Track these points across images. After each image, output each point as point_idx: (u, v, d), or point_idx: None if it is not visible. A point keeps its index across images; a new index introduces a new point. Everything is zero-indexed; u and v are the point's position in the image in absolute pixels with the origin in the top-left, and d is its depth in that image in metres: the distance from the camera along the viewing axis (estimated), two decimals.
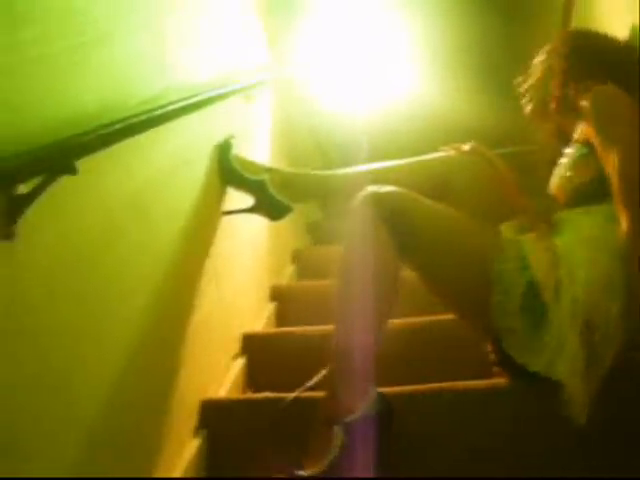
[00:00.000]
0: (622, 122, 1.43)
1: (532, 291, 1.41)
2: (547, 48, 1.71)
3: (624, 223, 1.36)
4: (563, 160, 1.58)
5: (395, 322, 1.67)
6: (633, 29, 1.63)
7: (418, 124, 3.89)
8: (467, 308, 1.55)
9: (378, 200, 1.47)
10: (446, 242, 1.49)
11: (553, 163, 1.66)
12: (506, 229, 1.56)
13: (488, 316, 1.43)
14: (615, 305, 1.35)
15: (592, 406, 1.31)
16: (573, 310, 1.36)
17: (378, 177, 1.80)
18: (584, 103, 1.49)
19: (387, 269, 1.45)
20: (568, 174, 1.54)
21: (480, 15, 4.10)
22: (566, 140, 1.65)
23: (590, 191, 1.49)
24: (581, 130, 1.54)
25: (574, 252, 1.42)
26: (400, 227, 1.45)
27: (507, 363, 1.45)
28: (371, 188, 1.49)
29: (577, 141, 1.55)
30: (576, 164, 1.53)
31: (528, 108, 1.71)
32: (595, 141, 1.46)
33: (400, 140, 3.56)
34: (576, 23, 2.46)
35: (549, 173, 1.64)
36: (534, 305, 1.40)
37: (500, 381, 1.51)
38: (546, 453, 1.44)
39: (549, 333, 1.38)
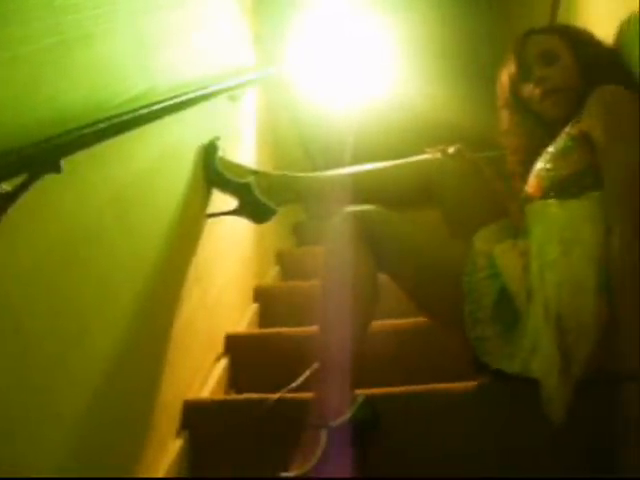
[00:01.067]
0: (629, 123, 1.43)
1: (504, 298, 1.42)
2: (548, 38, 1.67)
3: (618, 221, 1.35)
4: (547, 150, 1.58)
5: (381, 324, 1.68)
6: (628, 23, 1.62)
7: (404, 125, 3.91)
8: (443, 319, 1.58)
9: (357, 219, 1.54)
10: (420, 258, 1.54)
11: (528, 163, 1.68)
12: (485, 234, 1.56)
13: (462, 325, 1.45)
14: (588, 306, 1.34)
15: (570, 405, 1.32)
16: (545, 312, 1.36)
17: (364, 179, 1.81)
18: (591, 100, 1.48)
19: (366, 280, 1.51)
20: (548, 166, 1.53)
21: (466, 14, 4.13)
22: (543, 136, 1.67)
23: (567, 186, 1.48)
24: (578, 123, 1.53)
25: (546, 254, 1.41)
26: (377, 245, 1.52)
27: (484, 370, 1.46)
28: (351, 208, 1.57)
29: (567, 133, 1.54)
30: (558, 156, 1.52)
31: (554, 112, 1.65)
32: (599, 137, 1.45)
33: (386, 142, 3.58)
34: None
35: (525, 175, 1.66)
36: (506, 312, 1.41)
37: (482, 382, 1.52)
38: (527, 453, 1.45)
39: (524, 337, 1.38)
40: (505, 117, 1.77)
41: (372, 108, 3.85)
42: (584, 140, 1.48)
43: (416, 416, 1.54)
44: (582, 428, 1.34)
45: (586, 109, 1.50)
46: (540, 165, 1.56)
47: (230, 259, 2.21)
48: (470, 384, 1.55)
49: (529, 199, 1.57)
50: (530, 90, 1.65)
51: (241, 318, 2.25)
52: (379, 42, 3.84)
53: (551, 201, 1.49)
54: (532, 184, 1.57)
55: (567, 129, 1.55)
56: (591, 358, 1.33)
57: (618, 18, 1.68)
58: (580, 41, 1.65)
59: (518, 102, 1.72)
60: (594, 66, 1.59)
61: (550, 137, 1.63)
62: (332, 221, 1.57)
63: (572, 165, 1.48)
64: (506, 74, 1.73)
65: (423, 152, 1.82)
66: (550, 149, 1.56)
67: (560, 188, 1.49)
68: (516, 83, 1.70)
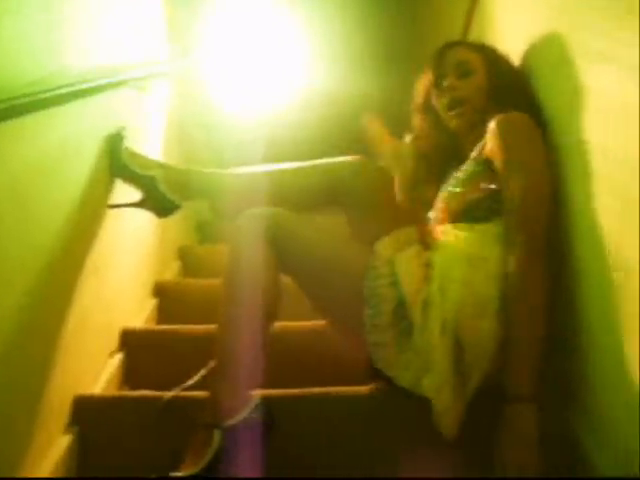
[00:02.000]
0: (528, 150, 1.47)
1: (401, 307, 1.44)
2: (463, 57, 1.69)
3: (516, 247, 1.39)
4: (455, 175, 1.62)
5: (282, 325, 1.68)
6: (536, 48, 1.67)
7: (317, 124, 3.93)
8: (343, 322, 1.59)
9: (263, 220, 1.54)
10: (323, 263, 1.54)
11: (433, 170, 1.74)
12: (389, 241, 1.58)
13: (361, 330, 1.46)
14: (486, 326, 1.37)
15: (463, 421, 1.36)
16: (442, 327, 1.38)
17: (273, 179, 1.80)
18: (494, 124, 1.51)
19: (269, 281, 1.50)
20: (458, 190, 1.56)
21: (376, 16, 4.20)
22: (454, 156, 1.72)
23: (476, 210, 1.51)
24: (482, 149, 1.56)
25: (451, 269, 1.44)
26: (281, 247, 1.52)
27: (379, 376, 1.48)
28: (258, 209, 1.57)
29: (474, 158, 1.58)
30: (468, 181, 1.55)
31: (454, 123, 1.67)
32: (500, 164, 1.49)
33: (299, 140, 3.59)
34: (479, 18, 2.51)
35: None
36: (403, 321, 1.43)
37: (377, 388, 1.55)
38: (418, 461, 1.48)
39: (414, 349, 1.41)
40: (416, 122, 1.81)
41: (286, 106, 3.86)
42: (489, 165, 1.52)
43: (311, 418, 1.55)
44: (474, 442, 1.37)
45: (488, 135, 1.54)
46: (449, 188, 1.60)
47: (130, 252, 2.16)
48: (365, 389, 1.57)
49: (438, 222, 1.60)
50: (439, 97, 1.69)
51: (139, 313, 2.21)
52: (292, 40, 3.86)
53: (460, 225, 1.53)
54: (441, 207, 1.60)
55: (474, 153, 1.59)
56: (486, 376, 1.37)
57: (525, 36, 1.75)
58: (497, 64, 1.68)
59: (429, 109, 1.75)
60: (504, 91, 1.63)
61: (457, 150, 1.68)
62: (238, 221, 1.56)
63: (481, 190, 1.52)
64: (422, 80, 1.76)
65: (337, 152, 1.83)
66: (459, 173, 1.59)
67: (469, 212, 1.53)
68: (430, 89, 1.73)
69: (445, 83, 1.66)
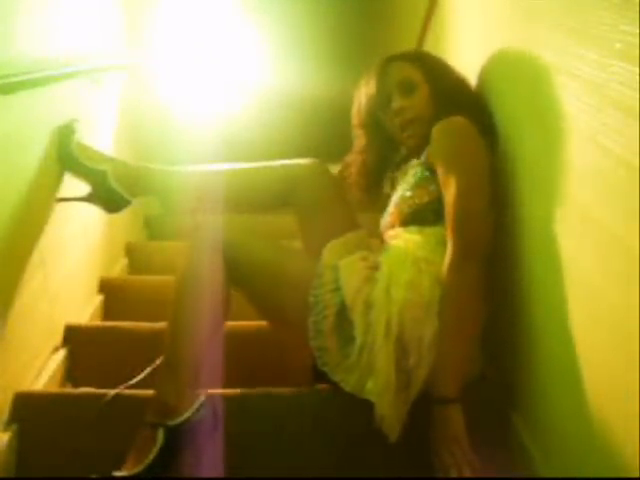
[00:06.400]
0: (467, 153, 1.50)
1: (344, 311, 1.45)
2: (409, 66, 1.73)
3: (449, 250, 1.42)
4: (406, 179, 1.65)
5: (229, 325, 1.67)
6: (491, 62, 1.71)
7: (273, 122, 3.93)
8: (288, 327, 1.60)
9: (214, 231, 1.55)
10: (271, 278, 1.54)
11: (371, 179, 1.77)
12: (335, 246, 1.59)
13: (306, 334, 1.47)
14: (430, 330, 1.39)
15: (405, 424, 1.38)
16: (387, 328, 1.39)
17: (226, 177, 1.79)
18: (435, 130, 1.55)
19: (219, 286, 1.50)
20: (408, 194, 1.60)
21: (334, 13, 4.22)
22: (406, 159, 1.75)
23: (426, 213, 1.55)
24: (428, 154, 1.60)
25: (398, 271, 1.45)
26: (231, 258, 1.51)
27: (323, 379, 1.49)
28: (212, 217, 1.62)
29: (424, 163, 1.60)
30: (417, 185, 1.59)
31: (412, 142, 1.71)
32: (439, 168, 1.52)
33: (255, 142, 3.58)
34: (434, 28, 2.54)
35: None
36: (347, 326, 1.44)
37: (321, 390, 1.56)
38: (361, 463, 1.49)
39: (356, 352, 1.42)
40: (358, 136, 1.83)
41: (241, 105, 3.84)
42: (435, 171, 1.55)
43: (254, 418, 1.54)
44: (417, 444, 1.38)
45: (431, 140, 1.57)
46: (400, 193, 1.63)
47: (77, 247, 2.13)
48: (309, 390, 1.58)
49: (389, 226, 1.63)
50: (390, 119, 1.72)
51: (84, 309, 2.17)
52: (249, 39, 3.85)
53: (411, 227, 1.55)
54: (392, 211, 1.63)
55: (422, 158, 1.62)
56: (430, 379, 1.39)
57: (481, 44, 1.78)
58: (436, 72, 1.73)
59: (373, 124, 1.79)
60: (448, 96, 1.67)
61: (399, 160, 1.72)
62: (193, 226, 1.55)
63: (430, 193, 1.55)
64: (364, 95, 1.78)
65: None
66: (409, 178, 1.62)
67: (419, 215, 1.56)
68: (374, 106, 1.75)
69: (394, 105, 1.70)
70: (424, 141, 1.62)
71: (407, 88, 1.69)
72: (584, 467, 1.16)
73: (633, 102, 0.92)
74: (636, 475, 0.96)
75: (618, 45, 0.97)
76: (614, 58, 0.98)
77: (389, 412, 1.37)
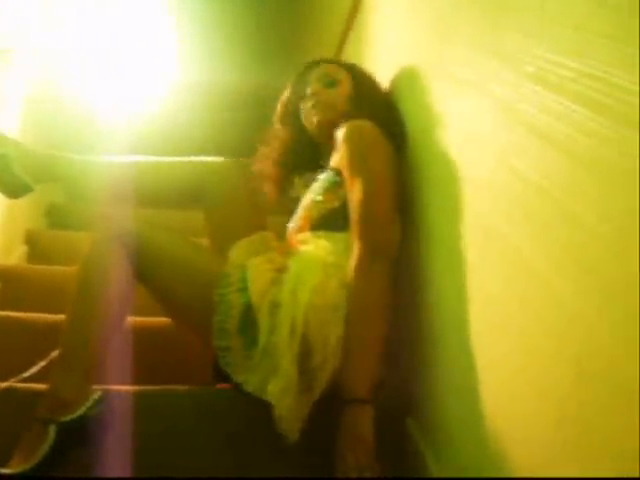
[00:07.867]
0: (373, 157, 1.52)
1: (248, 312, 1.44)
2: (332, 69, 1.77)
3: (355, 252, 1.43)
4: (317, 184, 1.66)
5: (137, 320, 1.64)
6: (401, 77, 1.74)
7: (185, 120, 3.88)
8: (192, 326, 1.58)
9: (120, 222, 1.51)
10: (175, 269, 1.52)
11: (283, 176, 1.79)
12: (243, 246, 1.58)
13: (209, 334, 1.45)
14: (335, 332, 1.39)
15: (309, 426, 1.37)
16: (292, 328, 1.39)
17: (134, 170, 1.75)
18: (340, 133, 1.57)
19: (122, 282, 1.47)
20: (319, 198, 1.60)
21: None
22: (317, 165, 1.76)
23: (336, 218, 1.55)
24: (336, 158, 1.61)
25: (305, 275, 1.45)
26: (136, 250, 1.48)
27: (225, 380, 1.48)
28: (118, 212, 1.57)
29: (333, 168, 1.62)
30: (327, 190, 1.59)
31: (316, 119, 1.74)
32: (345, 172, 1.54)
33: (168, 137, 3.54)
34: (358, 23, 2.56)
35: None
36: (251, 326, 1.44)
37: (222, 389, 1.56)
38: (260, 465, 1.48)
39: (260, 353, 1.41)
40: (276, 130, 1.85)
41: (156, 99, 3.78)
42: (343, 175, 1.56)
43: (152, 415, 1.51)
44: (319, 445, 1.38)
45: (337, 144, 1.59)
46: (310, 196, 1.63)
47: None
48: (209, 389, 1.58)
49: (299, 230, 1.63)
50: (305, 105, 1.74)
51: None
52: (168, 33, 3.81)
53: (320, 232, 1.56)
54: (302, 215, 1.64)
55: (332, 162, 1.63)
56: (333, 380, 1.39)
57: (397, 54, 1.81)
58: (363, 79, 1.77)
59: (290, 117, 1.81)
60: (366, 102, 1.70)
61: (316, 158, 1.73)
62: (96, 216, 1.51)
63: (340, 198, 1.56)
64: (287, 91, 1.82)
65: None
66: (320, 182, 1.63)
67: (329, 220, 1.57)
68: (293, 100, 1.77)
69: (310, 89, 1.73)
70: (332, 136, 1.64)
71: (328, 81, 1.74)
72: (477, 474, 1.18)
73: (540, 124, 0.96)
74: None
75: (530, 68, 1.00)
76: (526, 80, 1.01)
77: (288, 413, 1.37)
